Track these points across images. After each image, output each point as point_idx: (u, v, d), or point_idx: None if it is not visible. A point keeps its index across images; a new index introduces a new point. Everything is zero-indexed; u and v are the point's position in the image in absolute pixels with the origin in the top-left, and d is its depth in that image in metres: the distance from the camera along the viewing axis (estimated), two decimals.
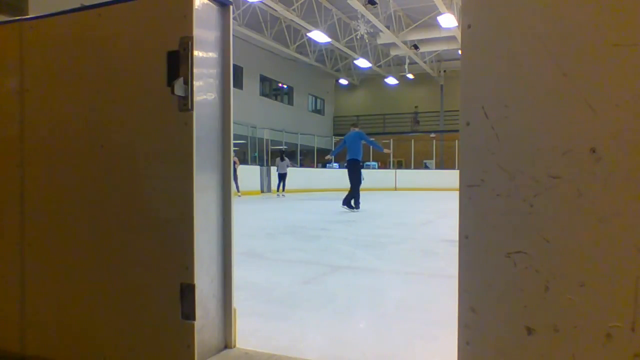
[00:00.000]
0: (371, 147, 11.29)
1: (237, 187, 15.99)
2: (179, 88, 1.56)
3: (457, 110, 1.45)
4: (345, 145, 9.69)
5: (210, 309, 1.68)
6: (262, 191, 18.02)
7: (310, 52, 23.59)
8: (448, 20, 17.07)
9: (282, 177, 16.82)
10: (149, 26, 1.67)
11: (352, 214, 8.63)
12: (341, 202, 9.39)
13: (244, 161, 19.77)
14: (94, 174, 1.76)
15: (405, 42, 21.48)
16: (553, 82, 1.12)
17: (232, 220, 1.75)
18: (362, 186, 9.45)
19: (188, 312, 1.58)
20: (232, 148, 1.75)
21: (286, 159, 17.24)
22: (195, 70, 1.58)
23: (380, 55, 25.39)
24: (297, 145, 24.22)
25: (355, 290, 3.06)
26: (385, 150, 10.79)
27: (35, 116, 1.86)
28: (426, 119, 29.08)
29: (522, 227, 1.15)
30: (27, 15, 2.14)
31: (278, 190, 16.84)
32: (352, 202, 9.32)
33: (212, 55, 1.69)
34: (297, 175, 19.88)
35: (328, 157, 11.89)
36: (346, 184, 9.48)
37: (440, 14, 17.06)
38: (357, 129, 9.80)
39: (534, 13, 1.14)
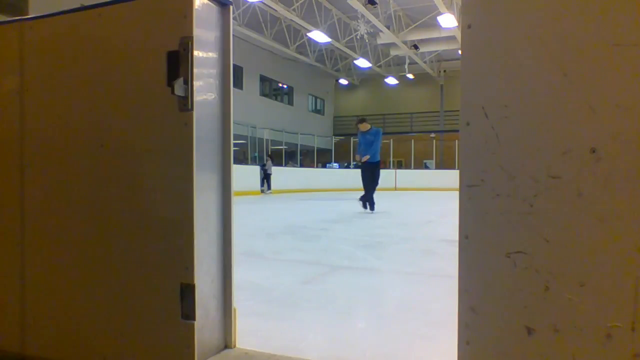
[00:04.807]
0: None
1: (269, 186, 18.10)
2: (179, 88, 1.56)
3: (457, 110, 1.45)
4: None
5: (210, 309, 1.68)
6: (262, 191, 18.07)
7: (310, 52, 23.59)
8: (448, 20, 17.07)
9: (269, 176, 18.43)
10: (149, 26, 1.67)
11: (352, 214, 8.63)
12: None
13: (243, 161, 19.83)
14: (94, 173, 1.75)
15: (405, 42, 21.48)
16: (553, 82, 1.12)
17: (232, 220, 1.75)
18: (362, 185, 9.26)
19: (188, 312, 1.58)
20: (232, 148, 1.75)
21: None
22: (195, 70, 1.58)
23: (380, 55, 25.39)
24: (297, 145, 24.22)
25: (355, 290, 3.06)
26: None
27: (35, 116, 1.85)
28: (426, 119, 29.08)
29: (522, 227, 1.15)
30: (27, 15, 2.14)
31: (268, 188, 18.40)
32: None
33: (212, 55, 1.69)
34: (297, 175, 19.89)
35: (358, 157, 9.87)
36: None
37: (440, 14, 17.06)
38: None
39: (534, 13, 1.14)
